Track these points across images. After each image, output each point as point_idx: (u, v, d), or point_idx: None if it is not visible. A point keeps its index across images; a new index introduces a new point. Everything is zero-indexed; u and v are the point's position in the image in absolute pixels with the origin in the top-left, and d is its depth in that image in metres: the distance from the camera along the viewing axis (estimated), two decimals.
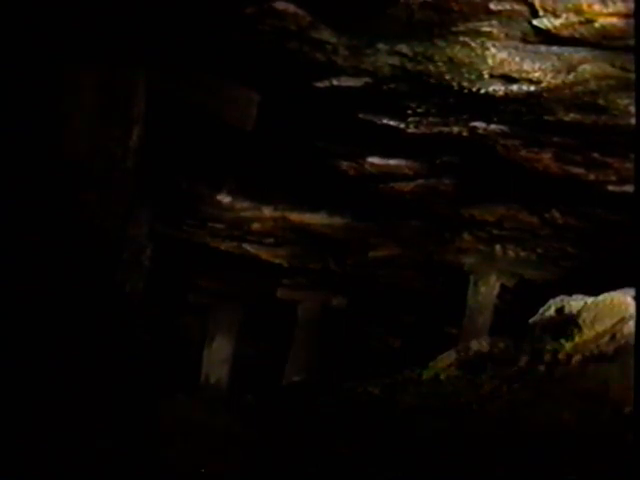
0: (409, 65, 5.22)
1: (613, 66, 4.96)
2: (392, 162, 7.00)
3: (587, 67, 5.01)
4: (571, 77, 5.15)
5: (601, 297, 6.12)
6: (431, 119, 6.06)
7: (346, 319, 11.26)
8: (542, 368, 5.82)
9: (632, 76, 4.93)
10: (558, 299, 6.49)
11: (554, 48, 4.86)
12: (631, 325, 5.59)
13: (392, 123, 6.16)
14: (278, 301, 10.87)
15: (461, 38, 4.83)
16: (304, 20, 4.81)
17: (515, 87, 5.36)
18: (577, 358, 5.72)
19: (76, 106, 5.04)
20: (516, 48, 4.91)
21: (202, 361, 11.31)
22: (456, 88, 5.44)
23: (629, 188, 6.50)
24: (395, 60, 5.19)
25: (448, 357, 6.53)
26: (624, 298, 5.99)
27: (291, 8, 4.72)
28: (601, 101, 5.43)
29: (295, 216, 8.48)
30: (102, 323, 5.00)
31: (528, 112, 5.73)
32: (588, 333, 5.88)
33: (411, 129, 6.22)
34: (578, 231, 7.82)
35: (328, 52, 5.16)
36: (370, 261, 9.42)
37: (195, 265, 10.25)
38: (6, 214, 4.92)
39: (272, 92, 5.79)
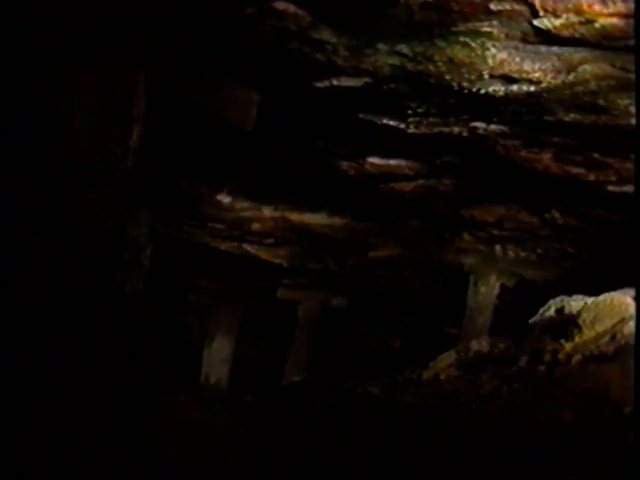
0: (409, 65, 5.22)
1: (613, 66, 4.96)
2: (392, 162, 7.00)
3: (587, 67, 5.01)
4: (571, 77, 5.15)
5: (601, 297, 6.12)
6: (431, 119, 6.06)
7: (346, 319, 11.26)
8: (542, 368, 5.82)
9: (632, 76, 4.93)
10: (558, 299, 6.49)
11: (554, 48, 4.86)
12: (631, 325, 5.60)
13: (392, 123, 6.16)
14: (278, 301, 10.87)
15: (461, 38, 4.83)
16: (304, 20, 4.81)
17: (515, 87, 5.36)
18: (577, 358, 5.72)
19: (76, 106, 5.04)
20: (516, 48, 4.91)
21: (202, 361, 11.31)
22: (456, 88, 5.44)
23: (629, 188, 6.50)
24: (395, 60, 5.19)
25: (448, 357, 6.53)
26: (624, 298, 6.00)
27: (291, 8, 4.72)
28: (601, 101, 5.43)
29: (295, 216, 8.48)
30: (102, 323, 5.00)
31: (528, 112, 5.73)
32: (588, 333, 5.88)
33: (411, 129, 6.22)
34: (578, 231, 7.82)
35: (328, 52, 5.16)
36: (370, 261, 9.42)
37: (195, 265, 10.25)
38: (6, 214, 4.92)
39: (272, 92, 5.79)
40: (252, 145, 6.78)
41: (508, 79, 5.27)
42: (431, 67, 5.21)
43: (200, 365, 11.30)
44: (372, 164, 7.06)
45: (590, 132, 5.90)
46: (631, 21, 4.35)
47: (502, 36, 4.78)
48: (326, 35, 4.97)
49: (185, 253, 9.69)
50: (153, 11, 4.80)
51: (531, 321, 6.53)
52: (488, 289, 9.05)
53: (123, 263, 5.67)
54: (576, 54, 4.89)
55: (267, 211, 8.45)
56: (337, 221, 8.52)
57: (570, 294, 6.49)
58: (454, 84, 5.40)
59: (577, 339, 5.89)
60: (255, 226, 8.76)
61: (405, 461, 4.93)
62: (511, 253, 8.67)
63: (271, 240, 9.17)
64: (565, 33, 4.64)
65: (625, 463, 4.01)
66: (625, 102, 5.38)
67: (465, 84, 5.38)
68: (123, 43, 5.04)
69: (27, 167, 4.99)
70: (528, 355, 6.07)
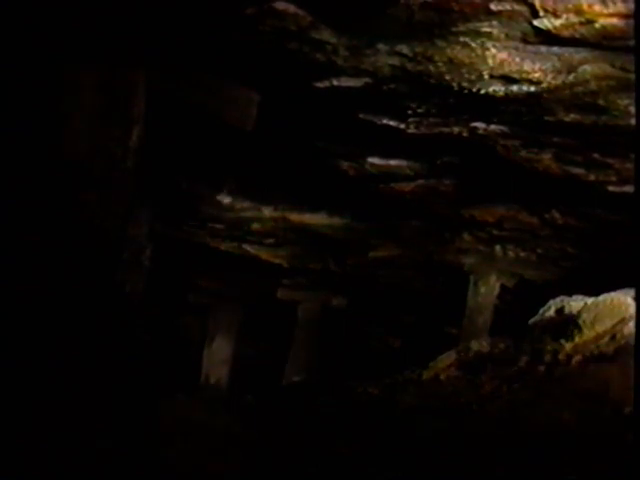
0: (409, 65, 5.22)
1: (613, 67, 4.96)
2: (392, 162, 7.00)
3: (587, 68, 5.01)
4: (571, 77, 5.15)
5: (601, 297, 6.12)
6: (431, 119, 6.06)
7: (346, 319, 11.26)
8: (542, 368, 5.82)
9: (632, 76, 4.93)
10: (558, 299, 6.49)
11: (554, 48, 4.86)
12: (631, 325, 5.60)
13: (392, 123, 6.16)
14: (278, 301, 10.87)
15: (461, 38, 4.83)
16: (304, 20, 4.81)
17: (515, 87, 5.36)
18: (577, 358, 5.72)
19: (76, 106, 5.04)
20: (516, 48, 4.91)
21: (202, 361, 11.31)
22: (456, 88, 5.44)
23: (629, 188, 6.50)
24: (395, 60, 5.18)
25: (448, 357, 6.53)
26: (624, 298, 6.00)
27: (291, 8, 4.72)
28: (601, 101, 5.43)
29: (295, 216, 8.48)
30: (102, 323, 5.00)
31: (528, 112, 5.73)
32: (588, 333, 5.88)
33: (411, 129, 6.22)
34: (578, 231, 7.82)
35: (328, 52, 5.16)
36: (370, 261, 9.42)
37: (195, 265, 10.25)
38: (6, 214, 4.92)
39: (272, 92, 5.79)
40: (252, 145, 6.78)
41: (508, 79, 5.27)
42: (431, 67, 5.21)
43: (200, 365, 11.30)
44: (372, 164, 7.06)
45: (590, 132, 5.90)
46: (631, 21, 4.35)
47: (502, 36, 4.78)
48: (326, 35, 4.97)
49: (185, 253, 9.69)
50: (153, 11, 4.80)
51: (531, 321, 6.53)
52: (488, 289, 9.05)
53: (123, 263, 5.67)
54: (576, 54, 4.89)
55: (267, 211, 8.45)
56: (337, 221, 8.52)
57: (570, 294, 6.49)
58: (454, 84, 5.39)
59: (577, 339, 5.89)
60: (255, 226, 8.76)
61: (405, 461, 4.93)
62: (511, 253, 8.67)
63: (271, 240, 9.17)
64: (565, 33, 4.63)
65: (625, 463, 4.01)
66: (625, 102, 5.38)
67: (465, 84, 5.38)
68: (123, 43, 5.04)
69: (27, 167, 4.99)
70: (528, 355, 6.07)
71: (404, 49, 5.04)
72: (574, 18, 4.48)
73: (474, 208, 7.70)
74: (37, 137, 5.01)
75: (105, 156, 5.08)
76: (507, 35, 4.77)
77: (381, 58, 5.18)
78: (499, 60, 5.04)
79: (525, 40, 4.80)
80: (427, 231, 8.45)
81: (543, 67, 5.08)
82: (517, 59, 5.02)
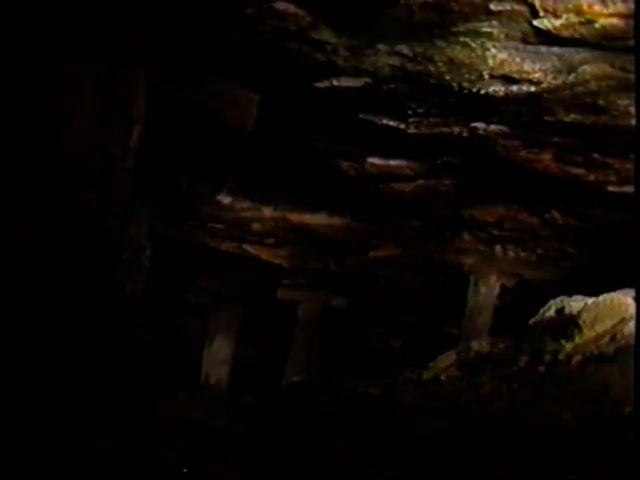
0: (409, 65, 5.22)
1: (613, 67, 4.96)
2: (392, 162, 7.00)
3: (587, 68, 5.01)
4: (571, 78, 5.15)
5: (601, 297, 6.12)
6: (431, 119, 6.06)
7: (346, 319, 11.26)
8: (542, 368, 5.82)
9: (632, 77, 4.93)
10: (558, 299, 6.49)
11: (554, 49, 4.86)
12: (631, 326, 5.60)
13: (392, 123, 6.16)
14: (278, 301, 10.87)
15: (461, 38, 4.83)
16: (304, 20, 4.81)
17: (515, 88, 5.36)
18: (577, 358, 5.72)
19: (76, 106, 5.04)
20: (516, 49, 4.91)
21: (202, 361, 11.31)
22: (456, 88, 5.44)
23: (629, 188, 6.50)
24: (395, 60, 5.18)
25: (448, 357, 6.53)
26: (624, 298, 6.00)
27: (291, 8, 4.72)
28: (601, 102, 5.43)
29: (295, 216, 8.48)
30: (102, 323, 5.00)
31: (528, 112, 5.73)
32: (588, 334, 5.88)
33: (411, 129, 6.22)
34: (578, 231, 7.82)
35: (328, 52, 5.16)
36: (370, 261, 9.42)
37: (195, 265, 10.25)
38: (6, 214, 4.92)
39: (272, 92, 5.79)
40: (252, 145, 6.78)
41: (508, 79, 5.27)
42: (431, 67, 5.21)
43: (200, 365, 11.30)
44: (372, 164, 7.06)
45: (590, 132, 5.90)
46: (631, 21, 4.35)
47: (502, 36, 4.78)
48: (326, 35, 4.97)
49: (185, 253, 9.69)
50: (153, 11, 4.80)
51: (531, 321, 6.53)
52: (488, 289, 9.05)
53: (123, 263, 5.67)
54: (576, 54, 4.89)
55: (267, 211, 8.45)
56: (337, 221, 8.52)
57: (570, 294, 6.49)
58: (454, 84, 5.40)
59: (577, 339, 5.89)
60: (255, 226, 8.76)
61: (405, 461, 4.93)
62: (511, 253, 8.67)
63: (271, 240, 9.17)
64: (565, 33, 4.64)
65: (625, 463, 4.01)
66: (625, 102, 5.38)
67: (465, 84, 5.38)
68: (123, 43, 5.04)
69: (27, 167, 4.99)
70: (528, 355, 6.07)
71: (404, 49, 5.04)
72: (574, 18, 4.48)
73: (474, 208, 7.70)
74: (37, 137, 5.01)
75: (105, 156, 5.08)
76: (507, 35, 4.77)
77: (381, 58, 5.18)
78: (499, 60, 5.04)
79: (525, 40, 4.80)
80: (427, 231, 8.45)
81: (543, 67, 5.09)
82: (517, 59, 5.03)
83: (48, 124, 5.01)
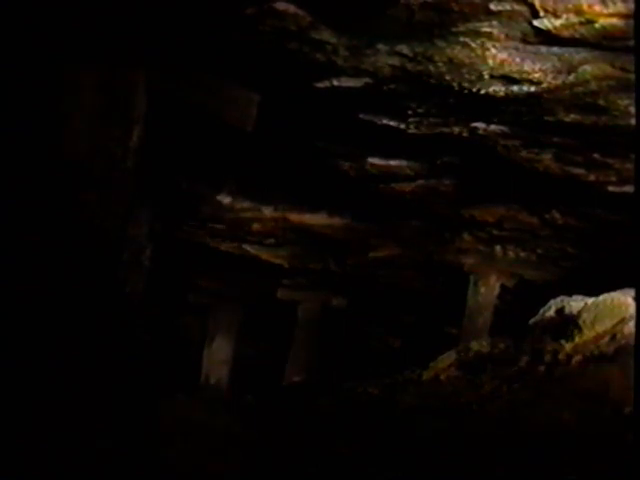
0: (409, 65, 5.22)
1: (613, 67, 4.96)
2: (392, 162, 7.00)
3: (587, 68, 5.01)
4: (571, 78, 5.15)
5: (601, 297, 6.12)
6: (431, 119, 6.06)
7: (346, 319, 11.26)
8: (542, 368, 5.82)
9: (632, 77, 4.93)
10: (558, 299, 6.48)
11: (554, 49, 4.86)
12: (631, 326, 5.59)
13: (392, 123, 6.16)
14: (278, 301, 10.87)
15: (461, 39, 4.83)
16: (304, 20, 4.81)
17: (515, 88, 5.36)
18: (577, 358, 5.72)
19: (76, 106, 5.04)
20: (516, 49, 4.91)
21: (202, 361, 11.31)
22: (456, 89, 5.44)
23: (629, 188, 6.50)
24: (395, 60, 5.18)
25: (448, 357, 6.53)
26: (624, 298, 5.99)
27: (291, 8, 4.72)
28: (601, 102, 5.43)
29: (295, 216, 8.48)
30: (102, 323, 5.00)
31: (528, 113, 5.73)
32: (588, 333, 5.88)
33: (411, 129, 6.22)
34: (578, 231, 7.82)
35: (328, 52, 5.16)
36: (370, 261, 9.42)
37: (195, 265, 10.25)
38: (6, 214, 4.92)
39: (272, 92, 5.79)
40: (252, 145, 6.78)
41: (508, 79, 5.27)
42: (431, 67, 5.21)
43: (200, 365, 11.30)
44: (372, 164, 7.06)
45: (590, 132, 5.91)
46: (631, 21, 4.35)
47: (502, 36, 4.78)
48: (326, 35, 4.97)
49: (185, 253, 9.69)
50: (153, 11, 4.80)
51: (531, 321, 6.53)
52: (488, 289, 9.05)
53: (123, 263, 5.66)
54: (576, 54, 4.89)
55: (267, 211, 8.46)
56: (337, 221, 8.52)
57: (570, 294, 6.48)
58: (454, 84, 5.40)
59: (577, 339, 5.89)
60: (255, 226, 8.76)
61: (405, 461, 4.93)
62: (511, 253, 8.67)
63: (271, 240, 9.17)
64: (565, 33, 4.64)
65: (625, 463, 4.01)
66: (625, 102, 5.38)
67: (465, 84, 5.38)
68: (123, 43, 5.04)
69: (27, 167, 4.99)
70: (528, 355, 6.06)
71: (404, 49, 5.04)
72: (574, 18, 4.48)
73: (474, 208, 7.70)
74: (37, 137, 5.01)
75: (105, 156, 5.08)
76: (507, 35, 4.77)
77: (381, 58, 5.18)
78: (499, 60, 5.04)
79: (525, 40, 4.80)
80: (427, 231, 8.45)
81: (543, 67, 5.09)
82: (517, 59, 5.03)
83: (48, 124, 5.01)
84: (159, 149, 6.34)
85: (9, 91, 4.97)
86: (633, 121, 5.25)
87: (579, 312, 6.10)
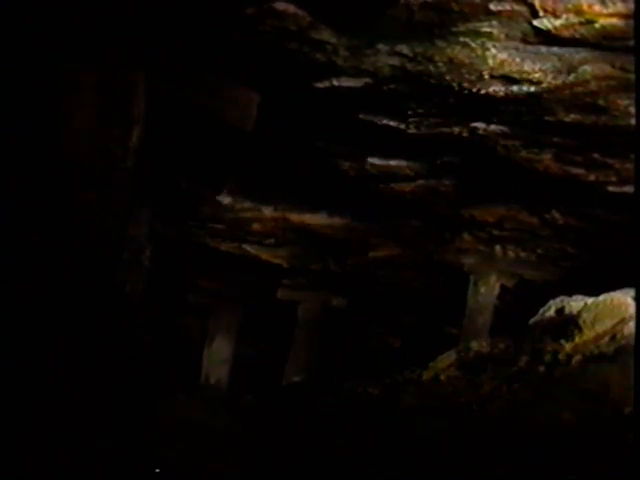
0: (409, 66, 5.22)
1: (613, 67, 4.96)
2: (392, 162, 7.00)
3: (587, 68, 5.02)
4: (571, 78, 5.15)
5: (601, 297, 6.12)
6: (431, 120, 6.06)
7: (346, 319, 11.25)
8: (542, 368, 5.82)
9: (632, 77, 4.93)
10: (558, 299, 6.48)
11: (554, 49, 4.87)
12: (631, 326, 5.59)
13: (392, 124, 6.16)
14: (278, 301, 10.87)
15: (461, 39, 4.83)
16: (304, 20, 4.81)
17: (515, 88, 5.36)
18: (577, 358, 5.72)
19: (76, 106, 5.04)
20: (516, 49, 4.91)
21: (202, 361, 11.31)
22: (456, 89, 5.44)
23: (629, 189, 6.50)
24: (395, 61, 5.19)
25: (448, 357, 6.53)
26: (624, 298, 5.99)
27: (291, 8, 4.72)
28: (601, 102, 5.43)
29: (295, 216, 8.48)
30: (102, 323, 5.00)
31: (528, 113, 5.73)
32: (588, 333, 5.88)
33: (411, 129, 6.22)
34: (578, 231, 7.82)
35: (328, 52, 5.16)
36: (370, 261, 9.42)
37: (195, 265, 10.25)
38: (6, 214, 4.92)
39: (272, 92, 5.79)
40: (252, 145, 6.78)
41: (508, 79, 5.27)
42: (431, 67, 5.21)
43: (200, 365, 11.29)
44: (372, 164, 7.06)
45: (590, 132, 5.91)
46: (631, 21, 4.35)
47: (502, 36, 4.78)
48: (326, 35, 4.97)
49: (185, 253, 9.69)
50: (153, 11, 4.81)
51: (531, 321, 6.53)
52: (488, 289, 9.04)
53: (123, 263, 5.67)
54: (576, 55, 4.89)
55: (267, 211, 8.46)
56: (337, 221, 8.52)
57: (570, 294, 6.49)
58: (454, 84, 5.40)
59: (577, 339, 5.89)
60: (255, 226, 8.76)
61: (405, 461, 4.93)
62: (511, 253, 8.67)
63: (271, 240, 9.17)
64: (565, 33, 4.64)
65: (625, 463, 4.01)
66: (625, 102, 5.38)
67: (465, 84, 5.38)
68: (123, 43, 5.04)
69: (27, 167, 4.99)
70: (528, 355, 6.06)
71: (404, 49, 5.04)
72: (574, 18, 4.48)
73: (474, 208, 7.70)
74: (37, 137, 5.01)
75: (105, 156, 5.08)
76: (507, 35, 4.77)
77: (381, 58, 5.18)
78: (499, 60, 5.04)
79: (525, 40, 4.80)
80: (427, 231, 8.45)
81: (543, 67, 5.09)
82: (517, 59, 5.03)
83: (48, 124, 5.01)
84: (159, 149, 6.34)
85: (9, 91, 4.97)
86: (633, 121, 5.26)
87: (579, 312, 6.10)
